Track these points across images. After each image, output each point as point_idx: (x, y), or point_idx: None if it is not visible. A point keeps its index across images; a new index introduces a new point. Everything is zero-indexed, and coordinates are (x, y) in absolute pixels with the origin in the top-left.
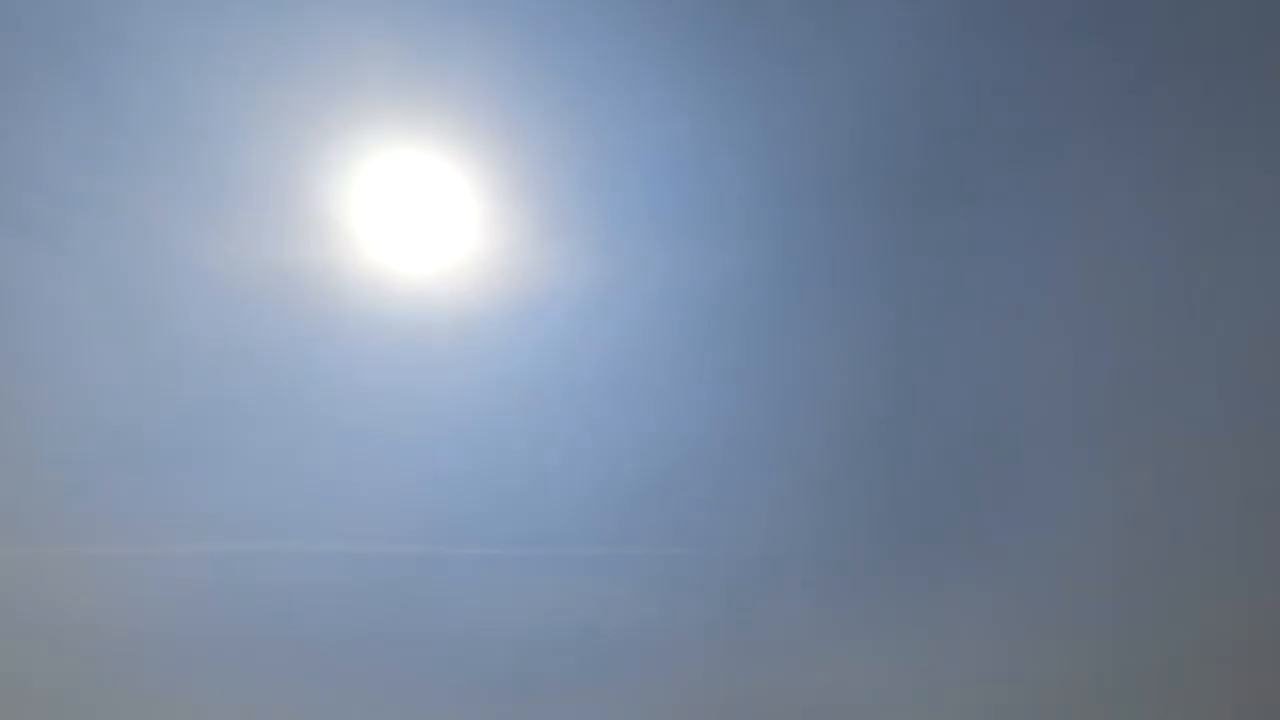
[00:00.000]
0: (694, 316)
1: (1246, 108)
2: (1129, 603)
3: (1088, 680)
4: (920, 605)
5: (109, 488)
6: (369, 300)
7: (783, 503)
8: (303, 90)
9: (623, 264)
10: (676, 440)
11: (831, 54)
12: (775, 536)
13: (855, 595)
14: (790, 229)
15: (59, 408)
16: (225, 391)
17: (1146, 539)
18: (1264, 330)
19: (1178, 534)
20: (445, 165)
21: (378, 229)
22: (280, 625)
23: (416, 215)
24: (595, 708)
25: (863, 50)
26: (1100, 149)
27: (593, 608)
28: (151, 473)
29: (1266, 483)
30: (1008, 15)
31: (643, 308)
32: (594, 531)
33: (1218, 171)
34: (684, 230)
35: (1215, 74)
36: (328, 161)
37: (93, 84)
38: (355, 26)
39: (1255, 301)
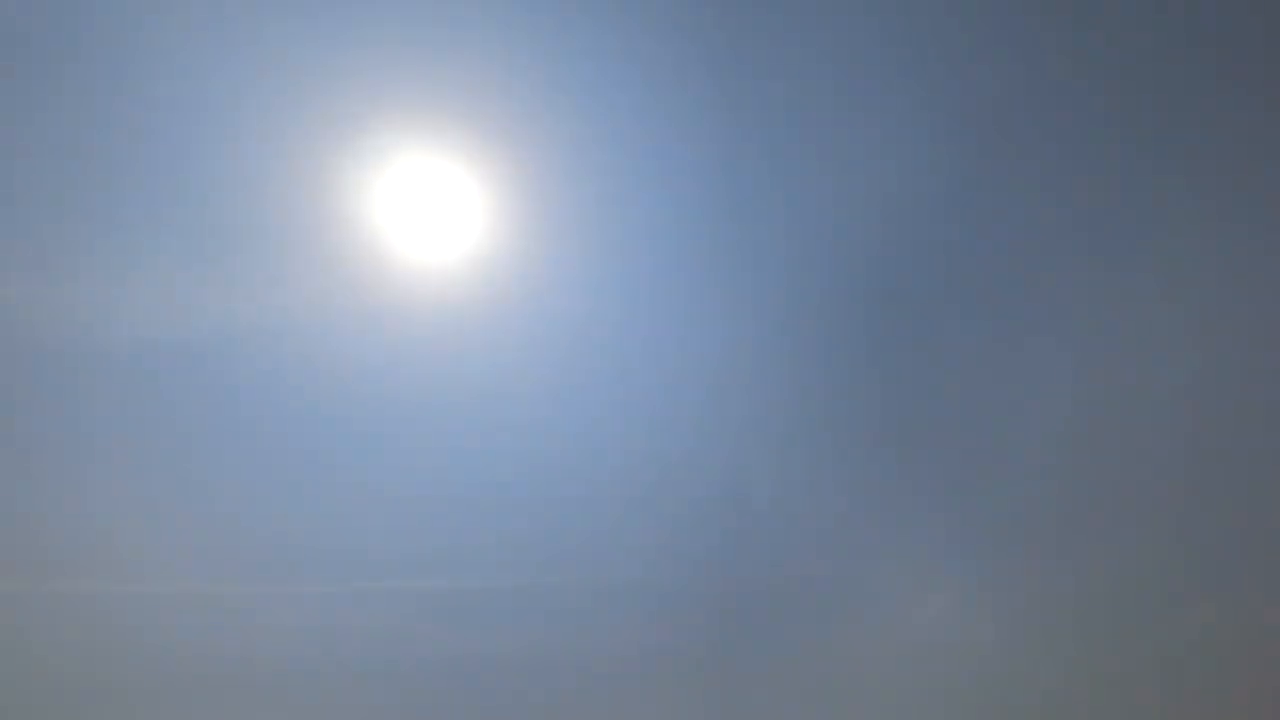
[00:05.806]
0: (699, 319)
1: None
2: None
3: None
4: None
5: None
6: (375, 302)
7: (797, 515)
8: (310, 94)
9: (627, 265)
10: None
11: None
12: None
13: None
14: (790, 229)
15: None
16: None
17: None
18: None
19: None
20: (456, 168)
21: (390, 231)
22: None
23: (429, 217)
24: None
25: None
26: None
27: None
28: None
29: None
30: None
31: (650, 308)
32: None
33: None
34: (687, 234)
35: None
36: (336, 165)
37: (96, 88)
38: (368, 33)
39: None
